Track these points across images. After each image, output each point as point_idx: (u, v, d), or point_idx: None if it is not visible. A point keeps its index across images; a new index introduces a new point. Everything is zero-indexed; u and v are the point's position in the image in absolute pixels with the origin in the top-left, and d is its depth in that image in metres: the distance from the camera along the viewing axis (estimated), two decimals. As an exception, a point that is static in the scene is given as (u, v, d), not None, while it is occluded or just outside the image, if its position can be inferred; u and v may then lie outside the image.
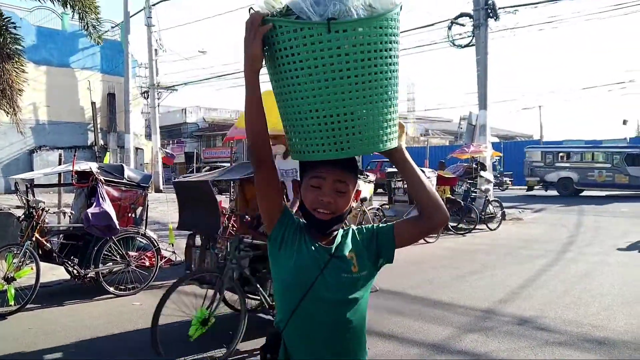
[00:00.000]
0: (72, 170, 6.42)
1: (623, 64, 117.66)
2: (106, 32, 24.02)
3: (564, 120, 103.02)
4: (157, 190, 23.12)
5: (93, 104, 23.33)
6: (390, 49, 1.46)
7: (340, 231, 1.66)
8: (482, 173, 13.63)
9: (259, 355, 1.63)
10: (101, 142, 23.56)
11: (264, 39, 1.43)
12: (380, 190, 18.74)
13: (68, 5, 9.61)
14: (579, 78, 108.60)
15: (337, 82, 1.41)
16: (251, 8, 1.46)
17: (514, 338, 4.67)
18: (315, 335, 1.54)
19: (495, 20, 15.04)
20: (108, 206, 6.13)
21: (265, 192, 1.62)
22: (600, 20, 53.60)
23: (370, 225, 1.69)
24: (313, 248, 1.57)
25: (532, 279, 7.00)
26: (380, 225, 1.68)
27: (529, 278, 7.06)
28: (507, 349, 4.40)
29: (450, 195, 12.34)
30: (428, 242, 10.13)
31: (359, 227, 1.70)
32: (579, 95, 48.37)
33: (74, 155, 6.87)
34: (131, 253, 6.60)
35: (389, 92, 1.49)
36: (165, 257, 7.11)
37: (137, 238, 6.74)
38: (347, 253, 1.58)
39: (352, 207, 1.66)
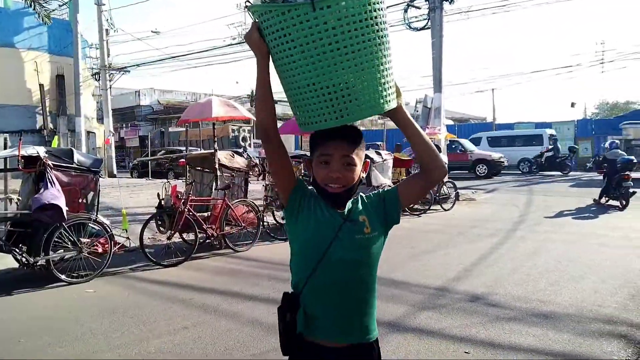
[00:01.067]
0: (18, 155, 6.17)
1: (570, 49, 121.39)
2: (54, 10, 23.05)
3: (516, 103, 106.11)
4: (111, 175, 22.53)
5: (41, 86, 22.34)
6: (376, 17, 1.56)
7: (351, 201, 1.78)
8: (437, 155, 13.89)
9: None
10: (50, 125, 22.65)
11: (260, 29, 1.59)
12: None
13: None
14: (530, 62, 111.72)
15: (329, 55, 1.52)
16: (247, 0, 1.61)
17: (466, 314, 4.82)
18: (331, 294, 1.66)
19: (450, 3, 15.24)
20: (57, 192, 5.94)
21: (278, 166, 1.74)
22: (548, 5, 54.94)
23: (377, 192, 1.83)
24: (327, 213, 1.70)
25: (484, 257, 7.23)
26: (386, 189, 1.83)
27: (480, 256, 7.29)
28: (459, 325, 4.54)
29: (406, 177, 12.56)
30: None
31: (367, 194, 1.82)
32: (529, 78, 49.84)
33: (20, 139, 6.59)
34: (83, 239, 6.42)
35: (380, 58, 1.60)
36: (119, 243, 6.96)
37: (89, 224, 6.56)
38: (359, 217, 1.71)
39: (362, 177, 1.76)
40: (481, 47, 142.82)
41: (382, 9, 1.59)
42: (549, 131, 26.58)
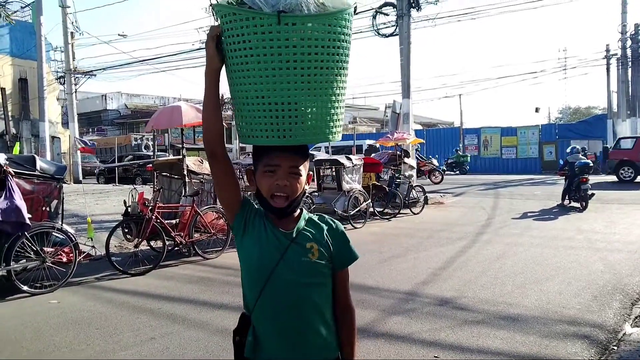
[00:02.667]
0: (-23, 162, 5.97)
1: (534, 55, 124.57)
2: (15, 12, 22.42)
3: (483, 108, 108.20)
4: (76, 181, 22.00)
5: (2, 89, 21.66)
6: (339, 47, 1.55)
7: (305, 214, 1.71)
8: (405, 160, 14.05)
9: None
10: (13, 130, 22.00)
11: (220, 34, 1.54)
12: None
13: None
14: (496, 68, 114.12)
15: (284, 72, 1.48)
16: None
17: (435, 318, 4.87)
18: (281, 316, 1.59)
19: (417, 10, 15.46)
20: (18, 200, 5.78)
21: (223, 183, 1.68)
22: (512, 13, 56.32)
23: (342, 235, 1.71)
24: (273, 234, 1.62)
25: (452, 261, 7.33)
26: (349, 252, 1.71)
27: (449, 260, 7.38)
28: (428, 329, 4.59)
29: (376, 182, 12.66)
30: (355, 228, 10.35)
31: (333, 222, 1.73)
32: (496, 83, 50.85)
33: (-21, 146, 6.38)
34: (47, 249, 6.24)
35: (334, 88, 1.58)
36: (84, 252, 6.79)
37: (53, 233, 6.38)
38: (307, 243, 1.62)
39: (305, 190, 1.70)
40: (449, 53, 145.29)
41: (347, 42, 1.58)
42: (369, 142, 26.40)
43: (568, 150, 14.15)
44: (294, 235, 1.63)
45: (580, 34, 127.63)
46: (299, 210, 1.70)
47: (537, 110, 41.36)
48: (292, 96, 1.51)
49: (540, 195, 16.23)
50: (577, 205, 12.81)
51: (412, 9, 15.24)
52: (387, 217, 12.21)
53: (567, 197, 13.37)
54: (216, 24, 1.57)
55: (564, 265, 6.89)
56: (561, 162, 14.83)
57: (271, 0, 1.45)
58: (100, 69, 25.54)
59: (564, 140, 28.73)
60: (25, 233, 5.92)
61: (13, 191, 5.83)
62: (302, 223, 1.67)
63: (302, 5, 1.46)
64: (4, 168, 5.93)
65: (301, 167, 1.63)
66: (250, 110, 1.55)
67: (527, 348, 4.10)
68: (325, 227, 1.69)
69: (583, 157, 13.57)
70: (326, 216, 1.77)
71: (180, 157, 8.64)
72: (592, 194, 12.74)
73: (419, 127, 32.66)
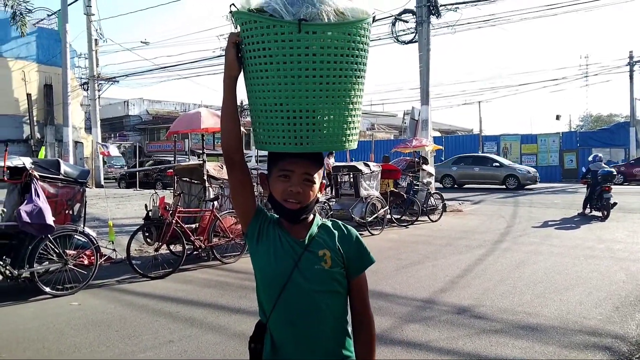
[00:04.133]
0: (4, 166, 6.12)
1: (556, 62, 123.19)
2: (42, 20, 22.94)
3: (502, 115, 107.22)
4: (98, 186, 22.34)
5: (28, 95, 22.15)
6: (357, 56, 1.57)
7: (318, 221, 1.71)
8: (424, 167, 14.00)
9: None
10: (38, 135, 22.45)
11: (239, 42, 1.56)
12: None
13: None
14: (517, 75, 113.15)
15: (303, 80, 1.50)
16: (232, 4, 1.56)
17: (452, 327, 4.84)
18: (298, 324, 1.59)
19: (437, 17, 15.43)
20: (43, 203, 5.89)
21: (239, 192, 1.70)
22: (533, 20, 55.75)
23: (354, 241, 1.70)
24: (287, 242, 1.63)
25: (470, 269, 7.27)
26: (359, 256, 1.69)
27: (467, 268, 7.33)
28: (446, 337, 4.56)
29: (393, 189, 12.62)
30: (373, 235, 10.33)
31: (345, 227, 1.73)
32: (516, 90, 50.35)
33: (5, 150, 6.54)
34: (69, 251, 6.36)
35: (352, 97, 1.60)
36: (105, 255, 6.90)
37: (75, 236, 6.50)
38: (319, 250, 1.62)
39: (318, 197, 1.72)
40: (469, 60, 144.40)
41: (365, 50, 1.60)
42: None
43: (590, 158, 13.96)
44: (307, 242, 1.63)
45: (602, 41, 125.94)
46: (311, 217, 1.70)
47: (557, 117, 40.66)
48: (310, 104, 1.53)
49: (561, 204, 16.01)
50: (599, 214, 12.62)
51: (431, 15, 15.23)
52: (405, 224, 12.16)
53: (588, 206, 13.16)
54: (236, 31, 1.59)
55: (584, 275, 6.79)
56: (583, 169, 14.64)
57: (292, 9, 1.47)
58: (122, 76, 26.01)
59: (585, 148, 28.33)
60: (49, 235, 6.04)
61: (38, 194, 5.96)
62: (314, 230, 1.67)
63: (322, 14, 1.48)
64: (30, 172, 6.06)
65: (315, 175, 1.64)
66: (268, 117, 1.57)
67: (547, 358, 4.06)
68: (337, 234, 1.69)
69: (605, 166, 13.38)
70: (339, 222, 1.77)
71: (201, 162, 8.74)
72: (615, 203, 12.48)
73: (438, 134, 32.52)
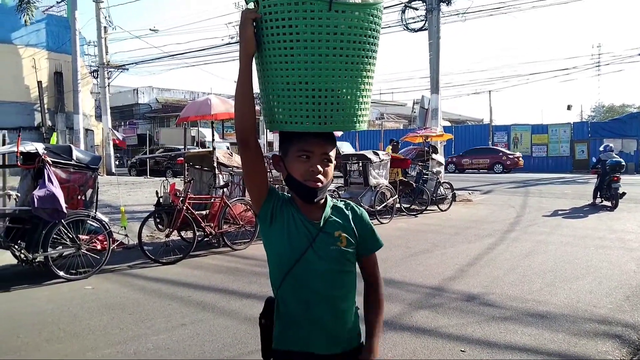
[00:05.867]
0: (17, 151, 6.18)
1: (567, 51, 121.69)
2: (51, 7, 22.99)
3: (513, 105, 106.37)
4: (109, 173, 22.50)
5: (39, 82, 22.27)
6: (375, 37, 1.60)
7: (330, 201, 1.73)
8: (433, 156, 13.96)
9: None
10: (49, 123, 22.60)
11: (255, 21, 1.54)
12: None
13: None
14: (528, 64, 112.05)
15: (330, 59, 1.52)
16: None
17: (462, 314, 4.86)
18: (312, 302, 1.61)
19: (447, 4, 15.32)
20: (55, 188, 5.96)
21: (252, 171, 1.68)
22: (544, 8, 55.14)
23: (367, 222, 1.75)
24: (302, 222, 1.64)
25: (480, 257, 7.28)
26: (373, 237, 1.75)
27: (476, 256, 7.33)
28: (455, 324, 4.58)
29: (403, 178, 12.61)
30: (382, 223, 10.35)
31: (357, 208, 1.77)
32: (526, 80, 50.03)
33: (19, 136, 6.60)
34: (82, 236, 6.44)
35: (368, 78, 1.63)
36: (118, 241, 6.98)
37: (88, 221, 6.58)
38: (334, 231, 1.65)
39: (333, 177, 1.74)
40: (479, 49, 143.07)
41: (379, 32, 1.63)
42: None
43: (601, 148, 13.92)
44: (322, 224, 1.65)
45: (615, 29, 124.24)
46: (324, 198, 1.72)
47: (569, 107, 40.30)
48: (335, 82, 1.55)
49: (571, 194, 15.93)
50: (608, 203, 12.69)
51: (441, 3, 15.13)
52: (414, 213, 12.17)
53: (598, 195, 13.21)
54: (251, 7, 1.56)
55: (595, 264, 6.78)
56: (593, 160, 14.61)
57: None
58: (132, 63, 26.14)
59: (596, 138, 28.12)
60: (62, 220, 6.11)
61: (50, 180, 6.02)
62: (328, 211, 1.69)
63: None
64: (42, 157, 6.12)
65: (331, 154, 1.66)
66: (291, 96, 1.56)
67: (556, 345, 4.07)
68: (350, 214, 1.72)
69: (615, 156, 13.34)
70: (350, 203, 1.80)
71: (211, 149, 8.77)
72: (623, 193, 12.56)
73: (448, 123, 32.37)
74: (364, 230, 1.72)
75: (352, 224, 1.69)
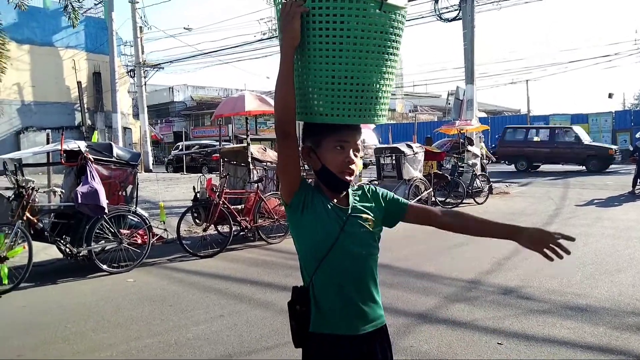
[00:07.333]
0: (61, 149, 6.42)
1: (608, 37, 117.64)
2: (89, 9, 23.61)
3: (551, 94, 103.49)
4: (147, 170, 23.03)
5: (79, 83, 22.98)
6: (401, 36, 1.71)
7: (350, 190, 1.80)
8: (469, 147, 13.76)
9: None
10: (88, 122, 23.31)
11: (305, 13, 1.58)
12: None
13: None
14: (566, 52, 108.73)
15: (375, 56, 1.62)
16: None
17: (498, 307, 4.81)
18: (345, 285, 1.68)
19: (482, -7, 15.01)
20: (97, 184, 6.17)
21: (288, 162, 1.70)
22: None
23: (384, 192, 1.85)
24: (332, 209, 1.70)
25: (517, 251, 7.13)
26: (395, 197, 1.86)
27: (514, 249, 7.19)
28: (492, 317, 4.54)
29: (437, 170, 12.48)
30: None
31: (373, 187, 1.87)
32: (565, 68, 48.75)
33: (62, 134, 6.85)
34: (123, 231, 6.66)
35: (393, 72, 1.74)
36: (157, 235, 7.17)
37: (129, 216, 6.79)
38: (363, 214, 1.74)
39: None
40: (515, 37, 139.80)
41: (403, 31, 1.73)
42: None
43: (638, 135, 13.47)
44: (350, 209, 1.73)
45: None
46: None
47: (610, 96, 39.23)
48: (374, 77, 1.65)
49: (613, 185, 15.44)
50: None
51: (476, -9, 14.82)
52: (450, 206, 12.03)
53: (638, 183, 12.92)
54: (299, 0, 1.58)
55: (638, 257, 6.59)
56: (630, 148, 14.21)
57: None
58: (167, 62, 26.54)
59: (639, 127, 27.10)
60: (104, 216, 6.32)
61: (92, 176, 6.23)
62: (352, 196, 1.77)
63: None
64: (85, 154, 6.34)
65: (359, 144, 1.75)
66: (335, 89, 1.61)
67: (596, 339, 3.99)
68: (370, 195, 1.81)
69: None
70: (364, 185, 1.88)
71: (245, 145, 8.89)
72: None
73: (484, 114, 31.76)
74: (386, 200, 1.82)
75: (374, 204, 1.78)
